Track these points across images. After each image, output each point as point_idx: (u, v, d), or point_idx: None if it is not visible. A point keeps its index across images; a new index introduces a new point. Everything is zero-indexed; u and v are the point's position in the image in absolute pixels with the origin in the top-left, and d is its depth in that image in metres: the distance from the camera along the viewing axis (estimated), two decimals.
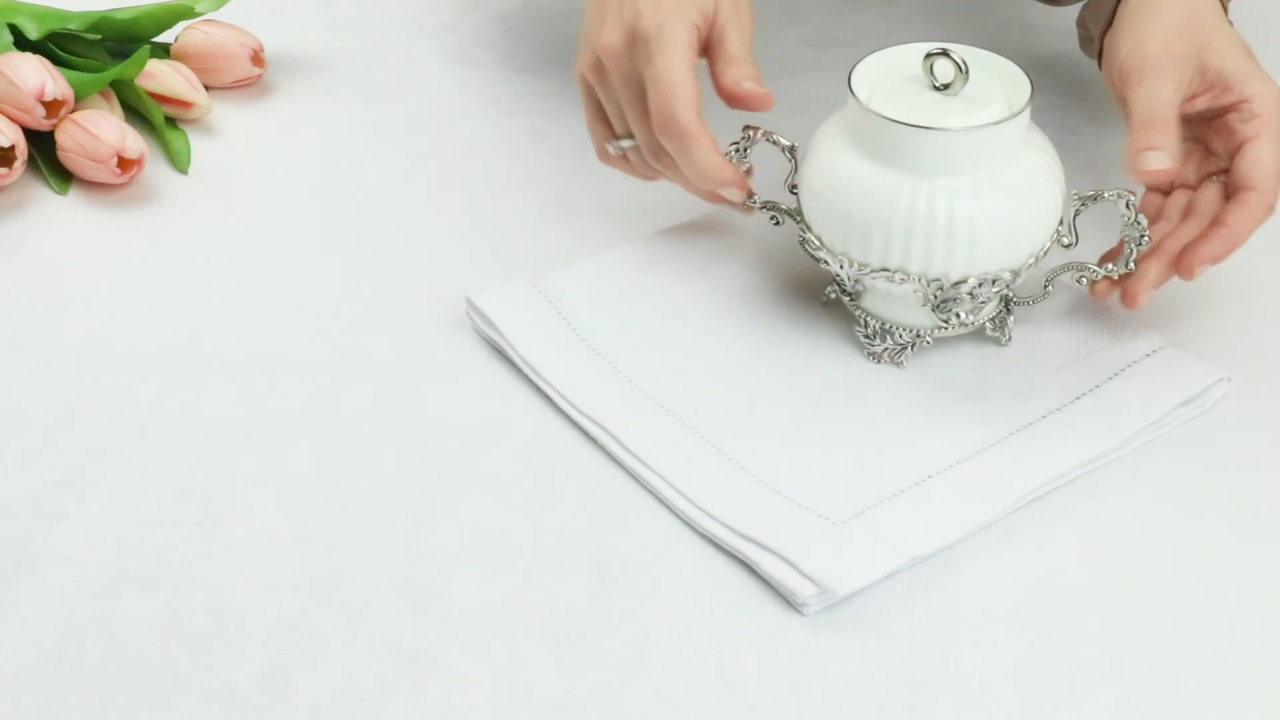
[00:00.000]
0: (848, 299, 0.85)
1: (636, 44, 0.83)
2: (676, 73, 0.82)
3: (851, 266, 0.81)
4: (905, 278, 0.80)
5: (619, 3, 0.84)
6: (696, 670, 0.70)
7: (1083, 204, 0.82)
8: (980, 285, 0.80)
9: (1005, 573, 0.74)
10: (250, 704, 0.69)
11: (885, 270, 0.80)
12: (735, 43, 0.85)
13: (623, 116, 0.86)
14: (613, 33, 0.83)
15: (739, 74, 0.84)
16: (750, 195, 0.86)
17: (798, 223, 0.84)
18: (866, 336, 0.85)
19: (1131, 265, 0.82)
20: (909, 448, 0.79)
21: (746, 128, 0.86)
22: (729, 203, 0.86)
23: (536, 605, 0.73)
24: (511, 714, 0.69)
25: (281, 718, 0.68)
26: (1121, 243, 0.82)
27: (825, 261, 0.83)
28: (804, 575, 0.72)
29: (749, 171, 0.87)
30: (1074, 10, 1.15)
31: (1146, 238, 0.81)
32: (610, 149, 0.88)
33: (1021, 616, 0.72)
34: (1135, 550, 0.75)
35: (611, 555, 0.75)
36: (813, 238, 0.83)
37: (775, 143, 0.84)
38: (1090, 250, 0.85)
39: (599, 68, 0.85)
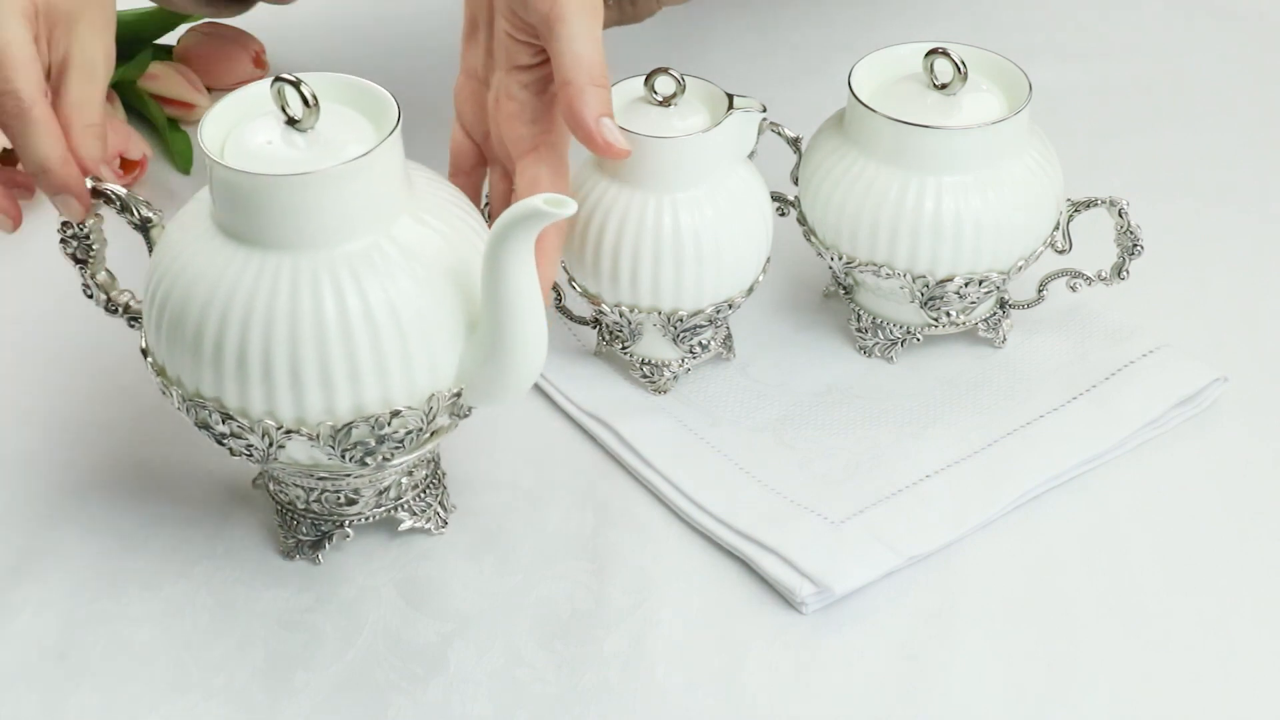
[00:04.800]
0: (843, 293, 0.86)
1: None
2: (12, 35, 0.69)
3: (840, 260, 0.81)
4: (891, 273, 0.80)
5: None
6: (696, 669, 0.70)
7: (1075, 210, 0.82)
8: (967, 285, 0.80)
9: (1003, 572, 0.74)
10: (251, 702, 0.69)
11: (872, 265, 0.80)
12: (78, 87, 0.71)
13: None
14: None
15: (82, 139, 0.71)
16: (86, 212, 0.71)
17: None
18: (859, 330, 0.85)
19: (1125, 274, 0.82)
20: (907, 448, 0.79)
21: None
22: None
23: (536, 605, 0.73)
24: (511, 714, 0.69)
25: (282, 716, 0.69)
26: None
27: (819, 253, 0.83)
28: (802, 574, 0.73)
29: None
30: (1080, 10, 1.15)
31: (1140, 246, 0.81)
32: None
33: (1019, 615, 0.72)
34: (1132, 549, 0.75)
35: (611, 555, 0.75)
36: (807, 229, 0.83)
37: (781, 134, 0.84)
38: (1083, 256, 0.85)
39: None
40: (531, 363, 0.67)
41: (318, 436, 0.66)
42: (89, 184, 0.71)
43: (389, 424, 0.67)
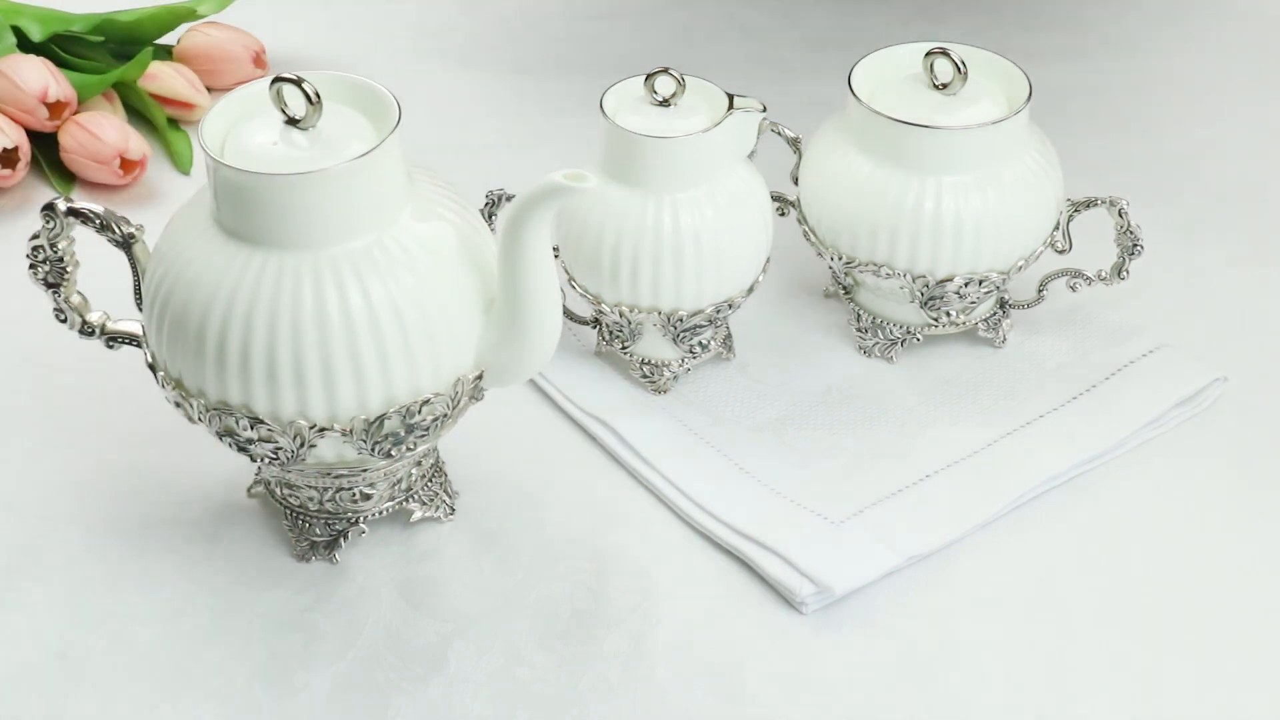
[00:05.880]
0: (843, 293, 0.86)
1: None
2: None
3: (840, 260, 0.81)
4: (891, 273, 0.80)
5: None
6: (696, 669, 0.70)
7: (1075, 210, 0.82)
8: (967, 284, 0.80)
9: (1002, 572, 0.74)
10: (251, 702, 0.69)
11: (872, 265, 0.80)
12: None
13: None
14: None
15: None
16: None
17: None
18: (859, 330, 0.85)
19: (1125, 274, 0.82)
20: (907, 447, 0.79)
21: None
22: None
23: (536, 605, 0.73)
24: (511, 714, 0.69)
25: (282, 716, 0.69)
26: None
27: (819, 253, 0.83)
28: (802, 574, 0.73)
29: None
30: (1080, 10, 1.15)
31: (1140, 246, 0.81)
32: None
33: (1018, 615, 0.72)
34: (1131, 549, 0.75)
35: (611, 555, 0.75)
36: (807, 229, 0.83)
37: (780, 134, 0.84)
38: (1083, 256, 0.85)
39: None
40: (549, 334, 0.68)
41: (351, 431, 0.67)
42: (64, 205, 0.69)
43: (419, 412, 0.67)
